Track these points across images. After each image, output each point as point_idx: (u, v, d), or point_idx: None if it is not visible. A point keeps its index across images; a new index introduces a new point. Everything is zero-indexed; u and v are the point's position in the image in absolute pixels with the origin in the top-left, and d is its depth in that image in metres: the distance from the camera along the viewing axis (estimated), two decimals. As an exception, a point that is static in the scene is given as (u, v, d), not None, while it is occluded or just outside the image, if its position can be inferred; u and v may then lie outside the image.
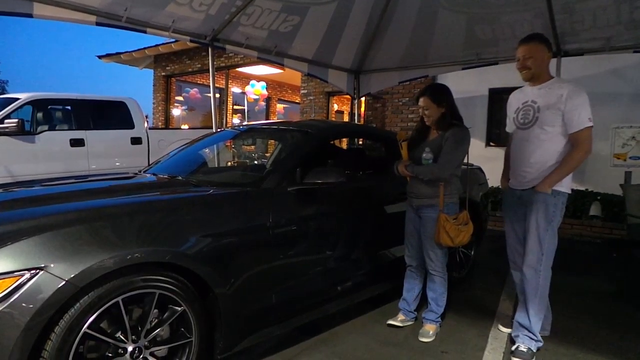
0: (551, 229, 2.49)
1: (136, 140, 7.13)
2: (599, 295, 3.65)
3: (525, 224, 2.58)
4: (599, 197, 5.67)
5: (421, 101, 2.76)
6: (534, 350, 2.51)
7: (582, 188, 6.17)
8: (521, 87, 2.74)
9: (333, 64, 6.43)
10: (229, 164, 3.48)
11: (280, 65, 5.92)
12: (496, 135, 7.41)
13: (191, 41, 4.85)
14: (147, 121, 15.15)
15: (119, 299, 1.73)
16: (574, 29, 4.96)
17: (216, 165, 3.40)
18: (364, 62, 6.63)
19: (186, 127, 16.05)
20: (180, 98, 15.23)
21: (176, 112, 14.68)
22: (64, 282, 1.56)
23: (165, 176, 2.79)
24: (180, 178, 2.68)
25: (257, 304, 2.23)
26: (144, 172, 3.12)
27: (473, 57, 5.85)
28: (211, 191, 2.31)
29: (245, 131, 3.57)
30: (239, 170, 3.04)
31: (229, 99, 14.57)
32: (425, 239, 2.76)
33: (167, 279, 1.87)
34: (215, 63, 10.63)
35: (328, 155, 3.09)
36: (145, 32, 4.35)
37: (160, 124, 13.53)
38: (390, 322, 2.90)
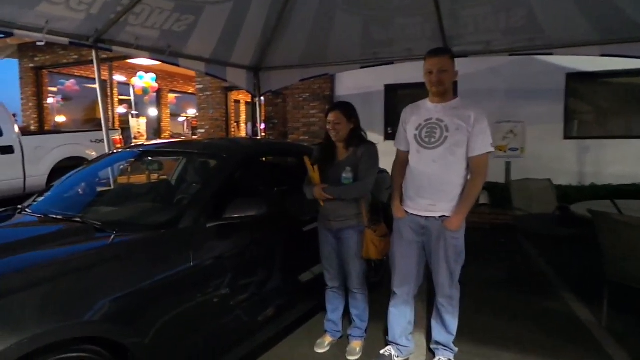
0: (461, 260, 2.53)
1: (6, 150, 6.21)
2: (493, 284, 4.04)
3: (432, 256, 2.53)
4: (485, 186, 6.28)
5: (332, 116, 2.71)
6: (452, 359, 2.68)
7: (470, 177, 6.77)
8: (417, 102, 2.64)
9: (231, 61, 6.18)
10: (134, 194, 3.10)
11: (176, 65, 5.52)
12: (393, 131, 7.80)
13: (71, 43, 4.29)
14: (16, 121, 13.29)
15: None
16: (459, 33, 5.34)
17: (119, 198, 3.02)
18: (264, 59, 6.47)
19: (63, 118, 14.43)
20: (54, 89, 13.59)
21: (50, 101, 13.03)
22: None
23: (58, 216, 2.43)
24: (77, 219, 2.34)
25: (184, 352, 2.07)
26: (27, 208, 2.68)
27: (370, 57, 6.02)
28: (120, 239, 2.06)
29: (148, 153, 3.23)
30: (149, 206, 2.73)
31: (114, 90, 13.37)
32: (348, 259, 2.77)
33: (78, 353, 1.64)
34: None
35: (246, 178, 2.93)
36: (12, 34, 3.75)
37: (32, 122, 11.95)
38: (318, 350, 2.88)
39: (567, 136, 6.85)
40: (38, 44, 4.02)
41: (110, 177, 3.03)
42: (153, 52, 5.02)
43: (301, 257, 3.03)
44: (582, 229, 3.80)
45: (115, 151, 3.37)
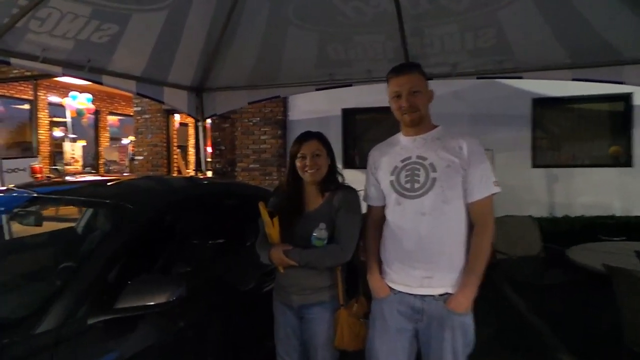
0: (470, 348, 1.89)
1: None
2: (477, 344, 3.39)
3: (430, 347, 1.85)
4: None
5: (309, 146, 2.04)
6: None
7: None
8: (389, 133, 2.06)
9: (169, 81, 5.40)
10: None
11: (98, 83, 4.68)
12: (351, 157, 7.21)
13: (-51, 53, 3.39)
14: None
15: None
16: (424, 53, 4.88)
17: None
18: (207, 79, 5.75)
19: None
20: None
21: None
22: None
23: None
24: None
25: None
26: None
27: (326, 78, 5.45)
28: None
29: (31, 201, 2.31)
30: (3, 289, 1.85)
31: (41, 112, 12.09)
32: (314, 347, 2.04)
33: None
34: (16, 71, 8.48)
35: (167, 237, 2.12)
36: None
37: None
38: None
39: (536, 164, 6.54)
40: None
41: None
42: (67, 67, 4.17)
43: (238, 343, 2.23)
44: (576, 274, 3.29)
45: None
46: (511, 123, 6.48)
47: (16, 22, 3.38)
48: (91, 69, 4.35)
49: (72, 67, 4.21)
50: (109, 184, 2.40)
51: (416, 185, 1.85)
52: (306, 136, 2.09)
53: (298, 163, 2.05)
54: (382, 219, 1.98)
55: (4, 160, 6.48)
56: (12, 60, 3.75)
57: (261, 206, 1.99)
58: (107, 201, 2.03)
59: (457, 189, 1.83)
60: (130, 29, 4.15)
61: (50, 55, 3.92)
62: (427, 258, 1.82)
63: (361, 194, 2.10)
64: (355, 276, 2.16)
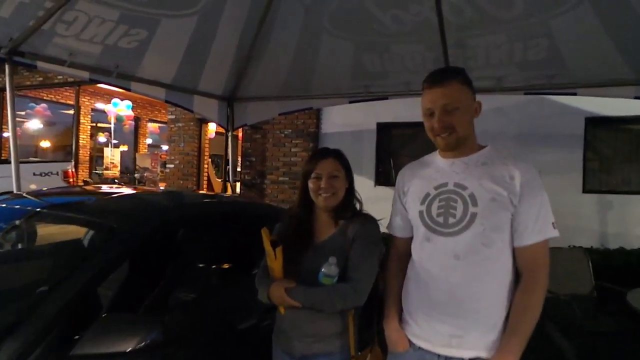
0: None
1: None
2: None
3: None
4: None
5: (325, 166, 1.75)
6: None
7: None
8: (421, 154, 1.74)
9: (199, 89, 5.29)
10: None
11: (127, 90, 4.61)
12: (386, 173, 6.88)
13: (-26, 54, 3.36)
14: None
15: None
16: (467, 65, 4.51)
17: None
18: (239, 88, 5.60)
19: (47, 144, 14.12)
20: (21, 112, 12.84)
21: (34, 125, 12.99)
22: None
23: None
24: None
25: None
26: None
27: (361, 90, 5.19)
28: None
29: (33, 216, 2.09)
30: None
31: (84, 118, 12.45)
32: None
33: None
34: (60, 77, 8.69)
35: (160, 261, 1.86)
36: None
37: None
38: None
39: (587, 189, 6.00)
40: None
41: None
42: (95, 72, 4.11)
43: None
44: (636, 321, 2.82)
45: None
46: (560, 144, 5.98)
47: (42, 24, 3.32)
48: (119, 75, 4.27)
49: (100, 73, 4.15)
50: (108, 197, 2.19)
51: (451, 220, 1.50)
52: (323, 153, 1.81)
53: (311, 184, 1.76)
54: (408, 254, 1.66)
55: (35, 164, 6.56)
56: (39, 64, 3.71)
57: (264, 233, 1.70)
58: (94, 219, 1.79)
59: (502, 229, 1.47)
60: (159, 35, 4.04)
61: (78, 59, 3.86)
62: (458, 312, 1.47)
63: (382, 222, 1.80)
64: (371, 314, 1.82)
